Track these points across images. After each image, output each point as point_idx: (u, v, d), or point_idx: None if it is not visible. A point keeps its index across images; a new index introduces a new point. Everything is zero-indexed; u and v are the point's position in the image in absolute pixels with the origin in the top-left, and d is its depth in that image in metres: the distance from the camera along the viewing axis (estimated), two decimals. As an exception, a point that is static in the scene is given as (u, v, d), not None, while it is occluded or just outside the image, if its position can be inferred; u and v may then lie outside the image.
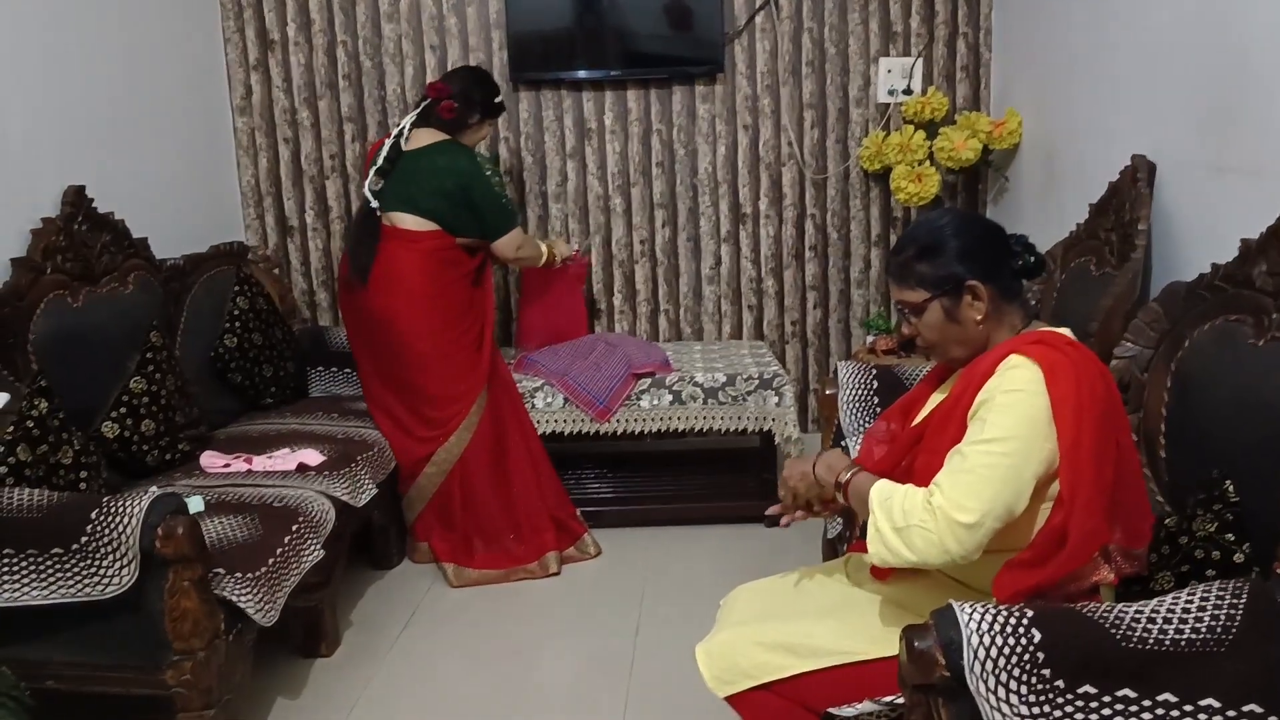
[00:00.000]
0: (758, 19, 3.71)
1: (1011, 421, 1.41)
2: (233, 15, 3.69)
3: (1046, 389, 1.42)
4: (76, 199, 2.63)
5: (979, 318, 1.57)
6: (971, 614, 1.32)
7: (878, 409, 2.60)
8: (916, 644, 1.33)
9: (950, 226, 1.60)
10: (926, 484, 1.45)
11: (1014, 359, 1.46)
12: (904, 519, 1.42)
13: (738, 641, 1.62)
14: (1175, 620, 1.31)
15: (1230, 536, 1.57)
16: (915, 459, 1.57)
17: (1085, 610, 1.35)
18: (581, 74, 3.70)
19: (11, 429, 2.06)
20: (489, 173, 2.95)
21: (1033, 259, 1.60)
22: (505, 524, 3.02)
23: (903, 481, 1.51)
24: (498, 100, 3.08)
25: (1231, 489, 1.61)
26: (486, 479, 3.00)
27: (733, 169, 3.82)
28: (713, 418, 3.28)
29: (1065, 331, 1.55)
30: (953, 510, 1.38)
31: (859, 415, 2.63)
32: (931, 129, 3.49)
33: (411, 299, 2.90)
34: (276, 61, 3.74)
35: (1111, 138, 2.66)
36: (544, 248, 3.25)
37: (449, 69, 3.69)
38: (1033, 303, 2.69)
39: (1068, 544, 1.42)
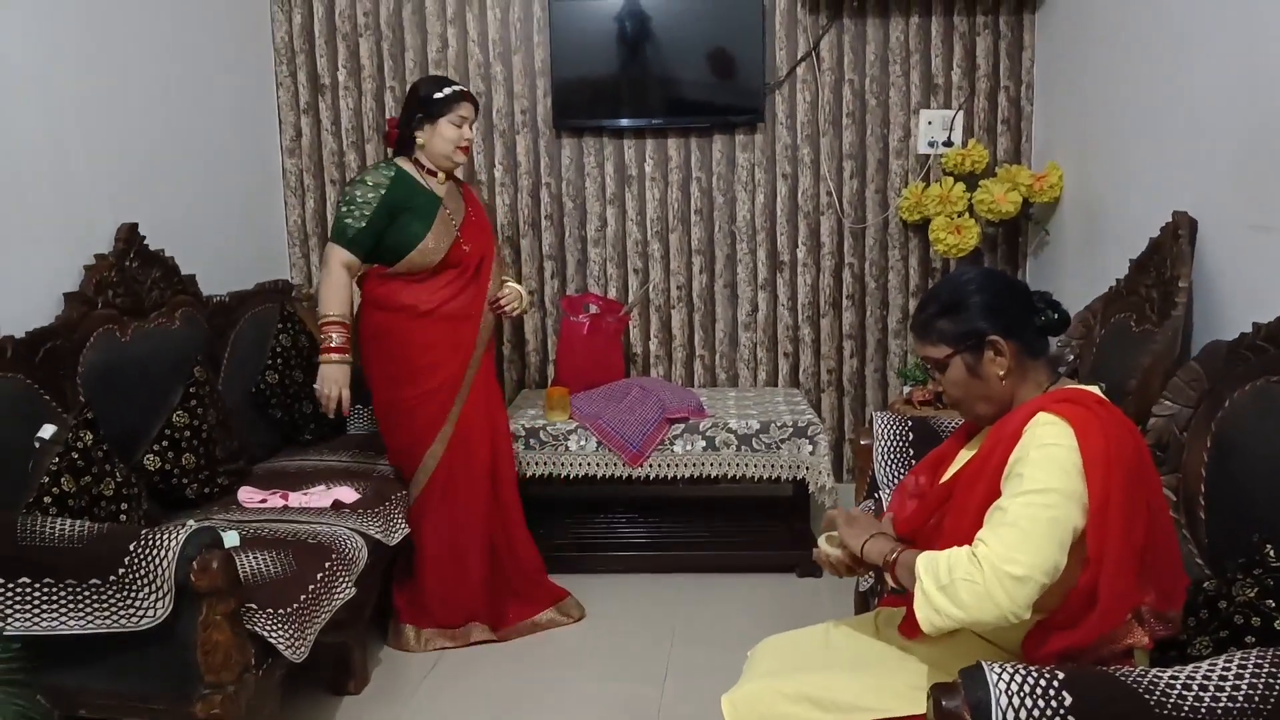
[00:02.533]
0: (799, 70, 3.75)
1: (1049, 475, 1.40)
2: (285, 60, 3.80)
3: (1078, 445, 1.41)
4: (130, 236, 2.71)
5: (1002, 374, 1.56)
6: (1001, 674, 1.31)
7: (912, 460, 2.58)
8: (944, 703, 1.32)
9: (973, 283, 1.60)
10: (956, 543, 1.43)
11: (1043, 416, 1.45)
12: (949, 575, 1.38)
13: (764, 693, 1.61)
14: (1212, 688, 1.28)
15: (1271, 603, 1.53)
16: (944, 517, 1.56)
17: (1119, 674, 1.33)
18: (625, 122, 3.75)
19: (57, 460, 2.11)
20: (360, 182, 2.73)
21: (1056, 315, 1.59)
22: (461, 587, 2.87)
23: (932, 539, 1.50)
24: (438, 95, 2.76)
25: (1272, 553, 1.57)
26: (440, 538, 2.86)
27: (771, 217, 3.84)
28: (746, 464, 3.27)
29: (1094, 389, 1.53)
30: (1001, 562, 1.35)
31: (894, 466, 2.61)
32: (971, 181, 3.49)
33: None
34: (326, 105, 3.83)
35: (1153, 193, 2.65)
36: (324, 310, 2.74)
37: (492, 115, 3.77)
38: (1071, 358, 2.67)
39: (1099, 605, 1.39)
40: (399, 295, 2.77)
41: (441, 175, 2.85)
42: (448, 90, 2.77)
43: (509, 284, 2.98)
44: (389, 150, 2.92)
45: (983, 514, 1.44)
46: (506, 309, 2.92)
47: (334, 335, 2.74)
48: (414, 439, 2.82)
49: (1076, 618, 1.41)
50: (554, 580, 3.06)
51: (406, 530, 2.73)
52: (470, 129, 2.82)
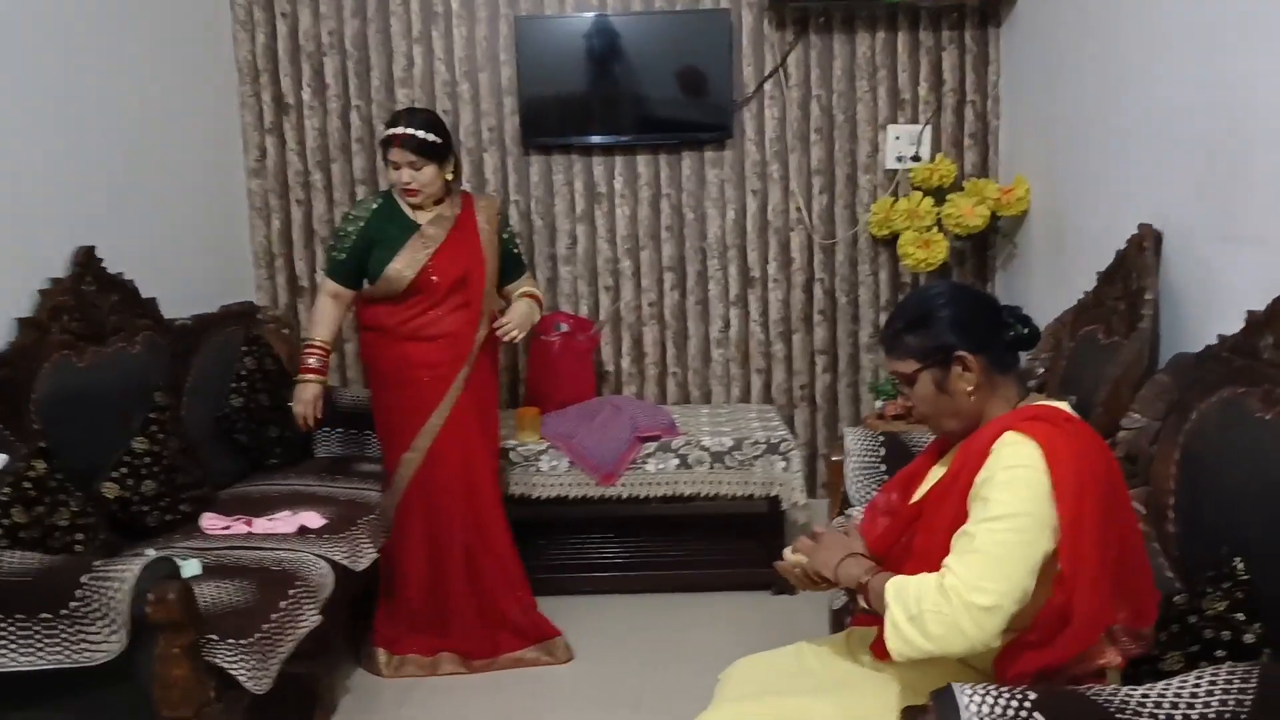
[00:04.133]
0: (767, 86, 3.75)
1: (1016, 498, 1.38)
2: (249, 79, 3.76)
3: (1047, 466, 1.39)
4: (86, 259, 2.65)
5: (969, 389, 1.54)
6: (972, 696, 1.28)
7: (884, 476, 2.57)
8: (915, 726, 1.29)
9: (941, 297, 1.59)
10: (926, 563, 1.42)
11: (1010, 436, 1.43)
12: (917, 605, 1.37)
13: (734, 717, 1.57)
14: (1183, 705, 1.27)
15: (1240, 616, 1.52)
16: (914, 536, 1.54)
17: (1091, 693, 1.31)
18: (594, 139, 3.74)
19: (8, 490, 2.05)
20: (346, 215, 2.90)
21: (1025, 330, 1.58)
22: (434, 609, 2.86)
23: (902, 559, 1.49)
24: (381, 137, 2.82)
25: (1241, 567, 1.57)
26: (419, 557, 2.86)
27: (741, 234, 3.83)
28: (719, 483, 3.25)
29: (1063, 405, 1.52)
30: (968, 592, 1.34)
31: (865, 483, 2.60)
32: (939, 195, 3.49)
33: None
34: (291, 125, 3.79)
35: (1119, 205, 2.66)
36: (305, 335, 3.01)
37: (460, 132, 3.75)
38: (1040, 371, 2.66)
39: (1072, 624, 1.38)
40: (376, 316, 2.86)
41: (428, 204, 2.84)
42: (387, 132, 2.78)
43: (518, 304, 2.94)
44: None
45: (951, 535, 1.42)
46: (498, 333, 2.85)
47: (309, 358, 2.91)
48: (389, 447, 2.89)
49: (1049, 637, 1.39)
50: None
51: (375, 555, 2.68)
52: (410, 170, 2.75)
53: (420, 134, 2.73)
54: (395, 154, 2.75)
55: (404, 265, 2.77)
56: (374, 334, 2.88)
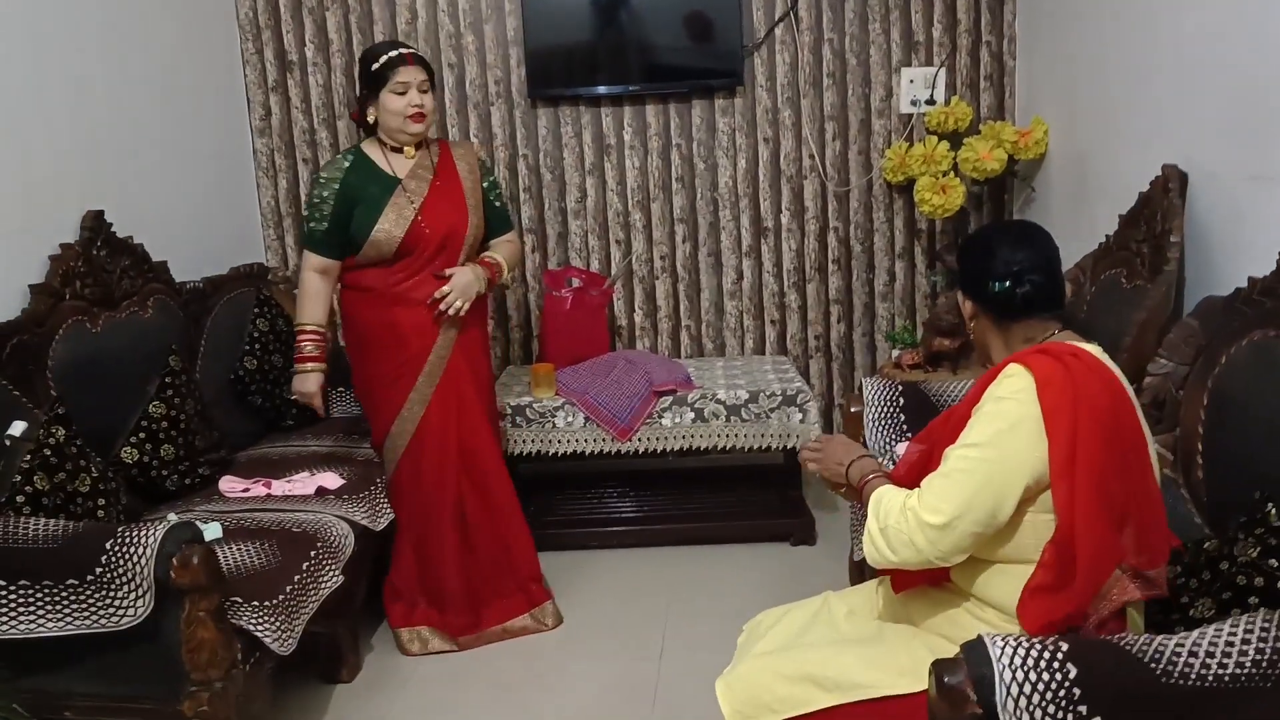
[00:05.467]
0: (777, 31, 3.67)
1: (992, 428, 1.44)
2: (251, 37, 3.70)
3: (1037, 397, 1.41)
4: (96, 224, 2.63)
5: (970, 322, 1.64)
6: (1004, 647, 1.28)
7: (904, 425, 2.55)
8: (946, 679, 1.28)
9: (973, 236, 1.71)
10: None
11: (1011, 367, 1.48)
12: (884, 519, 1.47)
13: (759, 674, 1.57)
14: (1219, 654, 1.25)
15: (1273, 562, 1.49)
16: (930, 463, 1.55)
17: (1123, 643, 1.30)
18: (601, 89, 3.68)
19: (29, 458, 2.05)
20: (316, 179, 2.66)
21: (1012, 285, 1.55)
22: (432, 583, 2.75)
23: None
24: (375, 66, 2.57)
25: (1275, 512, 1.54)
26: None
27: (753, 183, 3.78)
28: (736, 435, 3.24)
29: (1088, 345, 1.51)
30: (924, 512, 1.42)
31: (885, 432, 2.58)
32: (955, 139, 3.43)
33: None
34: (295, 82, 3.74)
35: (1141, 147, 2.60)
36: (296, 321, 2.76)
37: (465, 86, 3.69)
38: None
39: (1079, 560, 1.39)
40: (362, 278, 2.67)
41: (409, 150, 2.66)
42: (384, 57, 2.56)
43: (461, 271, 2.65)
44: (360, 133, 2.75)
45: None
46: (441, 306, 2.62)
47: (305, 345, 2.72)
48: (379, 419, 2.73)
49: (1064, 579, 1.40)
50: (547, 559, 2.94)
51: (392, 515, 2.68)
52: (418, 93, 2.57)
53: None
54: (407, 73, 2.55)
55: (391, 224, 2.59)
56: (356, 294, 2.69)
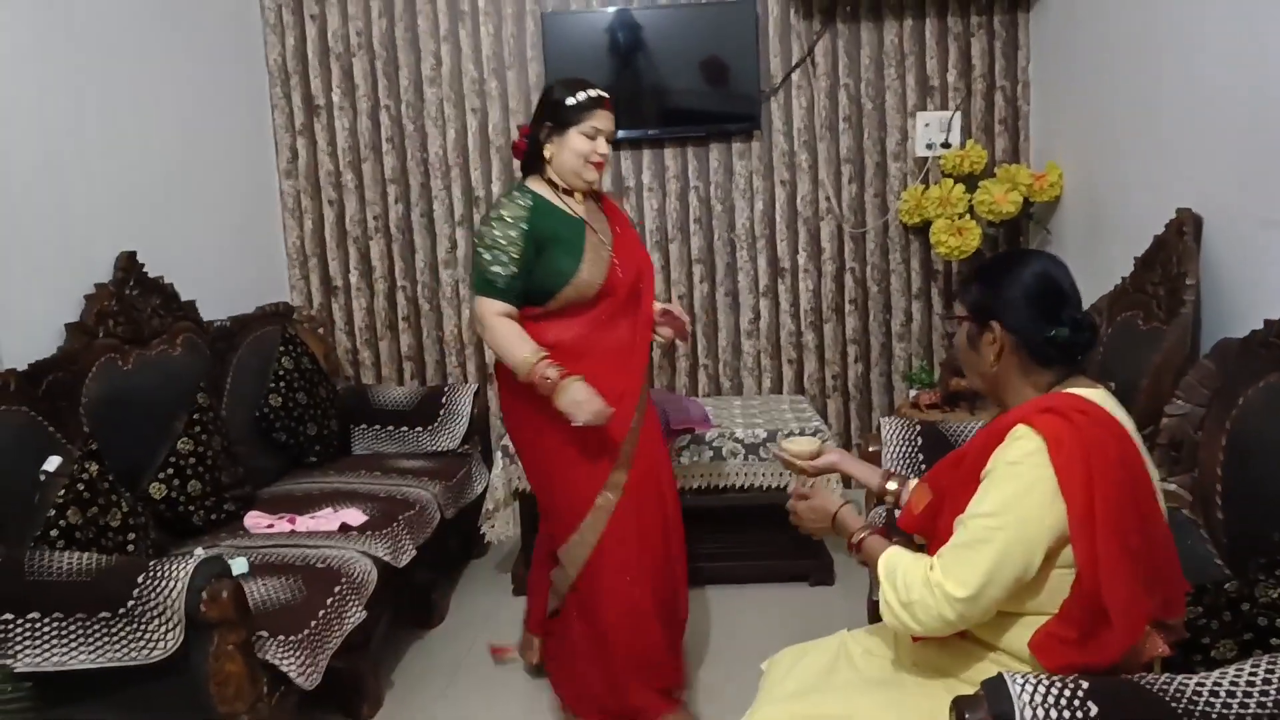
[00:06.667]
0: (794, 76, 3.74)
1: (1006, 495, 1.40)
2: (279, 81, 3.80)
3: (1050, 460, 1.38)
4: (129, 264, 2.70)
5: (993, 358, 1.55)
6: (1025, 685, 1.29)
7: (922, 465, 2.56)
8: (968, 716, 1.30)
9: (1020, 268, 1.56)
10: (944, 541, 1.46)
11: (1019, 429, 1.43)
12: (907, 594, 1.44)
13: (782, 717, 1.58)
14: (1240, 694, 1.26)
15: (1294, 603, 1.51)
16: (939, 515, 1.55)
17: (1144, 682, 1.31)
18: (622, 134, 3.72)
19: (63, 492, 2.09)
20: (496, 219, 2.28)
21: (1069, 334, 1.50)
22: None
23: (930, 537, 1.51)
24: (570, 101, 2.29)
25: (1294, 553, 1.56)
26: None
27: (770, 224, 3.83)
28: (753, 474, 3.25)
29: (1092, 393, 1.48)
30: (950, 585, 1.40)
31: (903, 472, 2.59)
32: (971, 182, 3.48)
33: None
34: (322, 126, 3.83)
35: (1156, 190, 2.64)
36: (522, 358, 2.24)
37: (489, 130, 3.77)
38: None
39: (1112, 620, 1.35)
40: (545, 334, 2.31)
41: (578, 194, 2.39)
42: (581, 96, 2.29)
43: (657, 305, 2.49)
44: (516, 164, 2.49)
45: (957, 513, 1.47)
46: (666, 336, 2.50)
47: (548, 368, 2.23)
48: (576, 494, 2.36)
49: (1089, 633, 1.37)
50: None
51: (414, 552, 2.71)
52: (605, 143, 2.33)
53: None
54: (603, 119, 2.31)
55: (591, 266, 2.32)
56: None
